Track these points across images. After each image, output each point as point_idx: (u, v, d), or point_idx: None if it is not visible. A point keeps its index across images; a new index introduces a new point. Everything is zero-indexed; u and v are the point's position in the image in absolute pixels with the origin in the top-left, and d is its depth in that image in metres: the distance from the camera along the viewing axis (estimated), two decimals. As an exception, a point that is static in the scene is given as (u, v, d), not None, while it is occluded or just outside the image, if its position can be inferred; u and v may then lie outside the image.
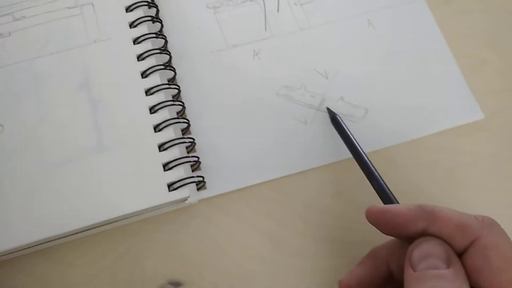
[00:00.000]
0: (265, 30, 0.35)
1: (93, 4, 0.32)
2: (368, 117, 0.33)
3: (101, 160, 0.29)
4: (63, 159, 0.29)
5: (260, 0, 0.35)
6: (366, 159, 0.29)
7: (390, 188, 0.28)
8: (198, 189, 0.30)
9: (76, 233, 0.28)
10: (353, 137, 0.30)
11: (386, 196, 0.27)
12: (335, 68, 0.34)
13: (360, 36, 0.35)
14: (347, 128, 0.31)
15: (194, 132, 0.32)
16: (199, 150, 0.31)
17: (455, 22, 0.36)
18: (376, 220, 0.24)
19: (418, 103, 0.33)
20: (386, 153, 0.32)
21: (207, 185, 0.31)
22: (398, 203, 0.27)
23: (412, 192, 0.31)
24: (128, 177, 0.28)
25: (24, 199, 0.28)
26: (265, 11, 0.35)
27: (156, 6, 0.33)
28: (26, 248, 0.28)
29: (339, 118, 0.31)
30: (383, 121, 0.33)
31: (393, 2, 0.36)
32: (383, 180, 0.28)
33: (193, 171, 0.30)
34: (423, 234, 0.23)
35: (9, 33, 0.31)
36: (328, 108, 0.32)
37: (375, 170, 0.28)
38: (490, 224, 0.22)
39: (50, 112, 0.29)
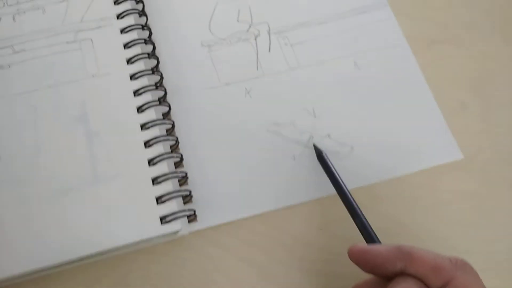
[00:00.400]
0: (257, 69, 0.36)
1: (92, 40, 0.33)
2: (354, 154, 0.34)
3: (95, 192, 0.29)
4: (58, 191, 0.29)
5: (252, 40, 0.37)
6: (350, 197, 0.30)
7: (372, 226, 0.29)
8: (189, 221, 0.31)
9: (69, 263, 0.28)
10: (338, 175, 0.32)
11: (368, 234, 0.28)
12: (322, 106, 0.35)
13: (347, 76, 0.37)
14: (332, 165, 0.32)
15: (187, 165, 0.33)
16: (191, 183, 0.32)
17: (436, 66, 0.38)
18: (357, 259, 0.25)
19: (401, 142, 0.35)
20: (370, 190, 0.33)
21: (198, 217, 0.31)
22: (379, 241, 0.28)
23: (394, 228, 0.32)
24: (121, 210, 0.29)
25: (18, 229, 0.28)
26: (257, 51, 0.37)
27: (153, 43, 0.34)
28: (19, 278, 0.28)
29: (325, 155, 0.33)
30: (368, 159, 0.34)
31: (378, 45, 0.38)
32: (365, 218, 0.29)
33: (185, 203, 0.31)
34: (401, 273, 0.24)
35: (9, 65, 0.32)
36: (314, 145, 0.34)
37: (358, 208, 0.29)
38: (463, 266, 0.24)
39: (47, 144, 0.30)
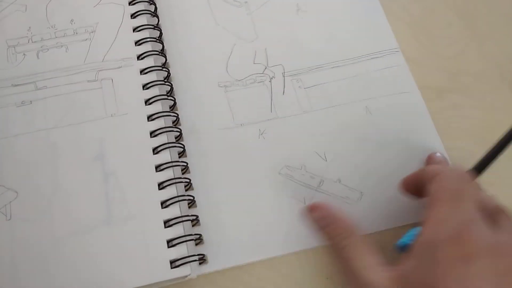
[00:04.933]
0: (271, 111, 0.37)
1: (112, 79, 0.34)
2: (363, 201, 0.35)
3: (108, 233, 0.30)
4: (72, 230, 0.30)
5: (267, 82, 0.38)
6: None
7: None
8: (198, 264, 0.31)
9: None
10: None
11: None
12: (334, 150, 0.36)
13: (358, 121, 0.37)
14: None
15: (199, 206, 0.33)
16: (202, 224, 0.33)
17: (446, 115, 0.39)
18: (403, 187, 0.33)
19: None
20: (378, 237, 0.34)
21: (207, 260, 0.32)
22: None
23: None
24: (133, 252, 0.30)
25: (32, 267, 0.29)
26: (271, 93, 0.38)
27: (170, 85, 0.35)
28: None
29: None
30: (376, 206, 0.35)
31: (390, 91, 0.39)
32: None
33: (195, 245, 0.32)
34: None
35: (31, 101, 0.33)
36: None
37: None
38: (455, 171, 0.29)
39: (64, 182, 0.31)
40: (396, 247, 0.31)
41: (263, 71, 0.38)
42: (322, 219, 0.31)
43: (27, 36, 0.35)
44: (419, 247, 0.27)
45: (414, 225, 0.33)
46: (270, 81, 0.38)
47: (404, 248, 0.30)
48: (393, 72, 0.39)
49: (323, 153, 0.36)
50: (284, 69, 0.39)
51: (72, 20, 0.36)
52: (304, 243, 0.33)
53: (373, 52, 0.40)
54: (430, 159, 0.35)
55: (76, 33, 0.35)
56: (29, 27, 0.35)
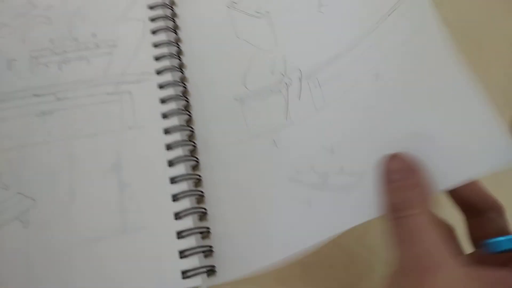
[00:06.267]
0: (286, 119, 0.35)
1: (131, 93, 0.35)
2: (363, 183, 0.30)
3: (122, 242, 0.31)
4: (87, 238, 0.31)
5: (284, 91, 0.36)
6: None
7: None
8: (208, 276, 0.32)
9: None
10: None
11: None
12: (341, 140, 0.33)
13: (364, 91, 0.32)
14: None
15: (210, 219, 0.34)
16: (213, 235, 0.33)
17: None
18: None
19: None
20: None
21: (217, 271, 0.32)
22: None
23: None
24: (146, 261, 0.30)
25: (47, 273, 0.30)
26: (287, 101, 0.36)
27: (187, 100, 0.36)
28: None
29: None
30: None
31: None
32: None
33: (205, 257, 0.32)
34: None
35: (51, 112, 0.34)
36: None
37: None
38: None
39: (80, 192, 0.32)
40: (486, 244, 0.26)
41: (281, 81, 0.37)
42: (396, 172, 0.24)
43: (50, 48, 0.36)
44: None
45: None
46: (287, 89, 0.36)
47: (495, 248, 0.26)
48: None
49: (330, 146, 0.33)
50: (301, 73, 0.36)
51: (94, 34, 0.37)
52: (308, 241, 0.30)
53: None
54: None
55: (98, 47, 0.36)
56: (52, 39, 0.36)
